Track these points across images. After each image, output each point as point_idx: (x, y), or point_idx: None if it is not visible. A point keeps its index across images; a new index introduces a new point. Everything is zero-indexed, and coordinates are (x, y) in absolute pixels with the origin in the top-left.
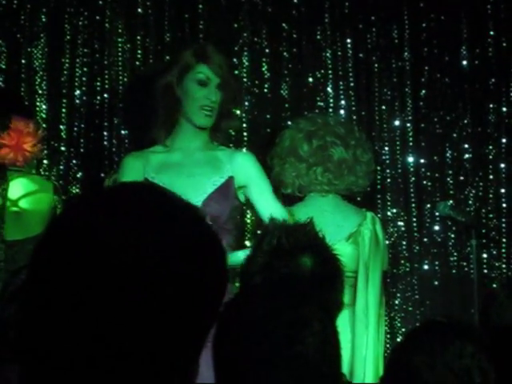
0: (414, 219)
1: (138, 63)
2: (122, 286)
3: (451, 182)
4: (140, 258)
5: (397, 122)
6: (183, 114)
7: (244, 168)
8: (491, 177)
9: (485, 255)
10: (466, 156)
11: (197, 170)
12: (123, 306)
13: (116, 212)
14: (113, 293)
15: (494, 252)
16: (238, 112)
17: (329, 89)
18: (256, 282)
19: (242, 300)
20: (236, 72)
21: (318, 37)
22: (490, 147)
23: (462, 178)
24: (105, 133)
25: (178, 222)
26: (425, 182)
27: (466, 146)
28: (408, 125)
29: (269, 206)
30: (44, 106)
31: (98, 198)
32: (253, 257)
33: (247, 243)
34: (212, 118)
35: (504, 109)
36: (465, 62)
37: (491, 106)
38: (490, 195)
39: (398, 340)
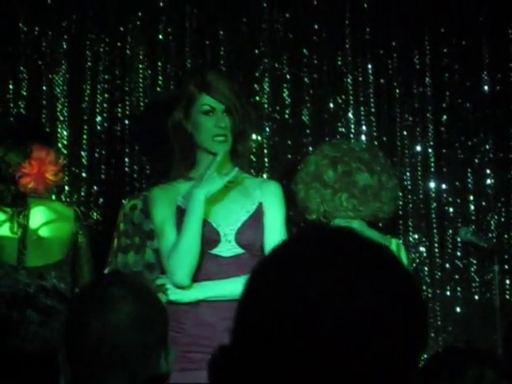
0: (436, 245)
1: (158, 89)
2: (338, 345)
3: (473, 207)
4: (352, 312)
5: (418, 148)
6: (199, 146)
7: (273, 195)
8: None
9: (507, 281)
10: (488, 181)
11: (226, 197)
12: (338, 366)
13: (321, 264)
14: (327, 351)
15: None
16: (260, 138)
17: (350, 114)
18: None
19: None
20: (257, 98)
21: (339, 62)
22: None
23: (483, 203)
24: (126, 159)
25: (383, 271)
26: (447, 208)
27: (488, 171)
28: (429, 150)
29: (274, 237)
30: (65, 133)
31: (295, 250)
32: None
33: None
34: (227, 143)
35: None
36: (486, 87)
37: None
38: None
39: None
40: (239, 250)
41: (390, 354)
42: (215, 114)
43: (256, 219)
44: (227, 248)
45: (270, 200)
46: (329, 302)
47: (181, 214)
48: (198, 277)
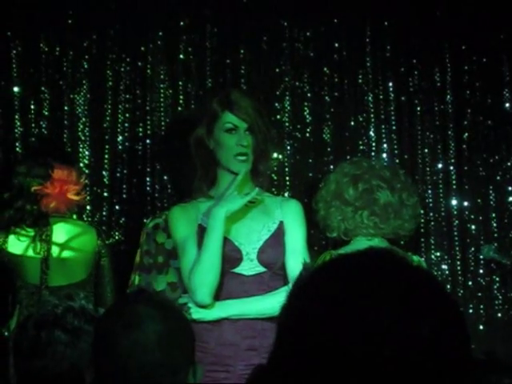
0: (458, 262)
1: (179, 108)
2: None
3: (495, 224)
4: (403, 341)
5: (440, 165)
6: (220, 164)
7: (294, 214)
8: None
9: None
10: (510, 198)
11: (248, 216)
12: None
13: (370, 291)
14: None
15: None
16: (281, 156)
17: (371, 132)
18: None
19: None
20: (278, 116)
21: (360, 80)
22: None
23: (506, 220)
24: (147, 178)
25: (430, 301)
26: (469, 225)
27: (510, 188)
28: (451, 168)
29: (296, 255)
30: (87, 152)
31: (346, 273)
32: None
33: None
34: (248, 162)
35: None
36: (507, 104)
37: None
38: None
39: None
40: (261, 269)
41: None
42: (238, 132)
43: (277, 238)
44: (249, 267)
45: (291, 218)
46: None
47: (202, 232)
48: (220, 295)
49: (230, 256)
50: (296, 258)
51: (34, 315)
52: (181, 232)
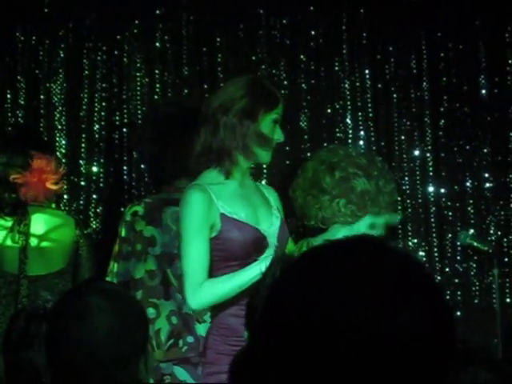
0: (435, 249)
1: (156, 97)
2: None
3: (472, 211)
4: (378, 335)
5: (416, 152)
6: (245, 151)
7: (280, 203)
8: None
9: (507, 284)
10: (487, 185)
11: (257, 201)
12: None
13: (353, 278)
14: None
15: None
16: None
17: (348, 120)
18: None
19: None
20: None
21: (337, 68)
22: (511, 175)
23: (482, 206)
24: (124, 167)
25: (416, 287)
26: (446, 212)
27: (487, 174)
28: (428, 155)
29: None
30: (63, 141)
31: (330, 260)
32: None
33: None
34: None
35: None
36: (484, 91)
37: (511, 134)
38: None
39: None
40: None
41: (421, 367)
42: (277, 126)
43: (284, 224)
44: (270, 253)
45: (281, 207)
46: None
47: (226, 221)
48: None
49: (259, 244)
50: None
51: (26, 308)
52: (196, 219)
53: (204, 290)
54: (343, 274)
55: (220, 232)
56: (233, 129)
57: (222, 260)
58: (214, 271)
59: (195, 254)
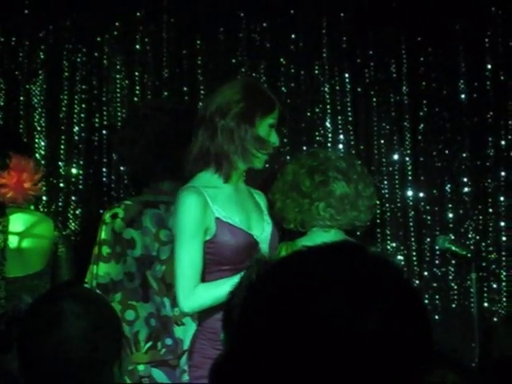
0: (414, 253)
1: (136, 99)
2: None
3: (451, 215)
4: (358, 331)
5: (396, 156)
6: (244, 154)
7: (267, 207)
8: (491, 210)
9: (485, 288)
10: (466, 189)
11: (250, 207)
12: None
13: (328, 280)
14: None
15: (494, 285)
16: None
17: (327, 123)
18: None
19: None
20: None
21: (316, 71)
22: (489, 180)
23: (461, 211)
24: (104, 169)
25: (391, 290)
26: (424, 216)
27: (465, 179)
28: (407, 159)
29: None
30: (43, 143)
31: (303, 265)
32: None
33: None
34: None
35: (503, 142)
36: (463, 96)
37: (490, 139)
38: (490, 228)
39: None
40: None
41: (397, 371)
42: (273, 130)
43: (274, 230)
44: None
45: (269, 212)
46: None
47: (221, 226)
48: None
49: (252, 249)
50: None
51: (8, 311)
52: (191, 223)
53: (197, 293)
54: (318, 278)
55: (214, 236)
56: (231, 132)
57: (214, 264)
58: (205, 275)
59: (189, 258)
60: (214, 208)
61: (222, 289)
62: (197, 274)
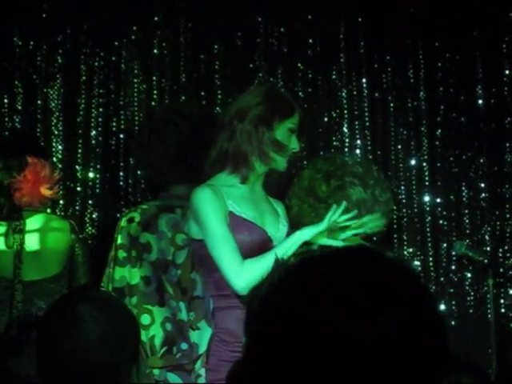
0: (431, 258)
1: (153, 103)
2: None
3: (467, 221)
4: (372, 336)
5: (413, 162)
6: (261, 156)
7: (286, 215)
8: (508, 216)
9: (502, 294)
10: (483, 195)
11: (265, 208)
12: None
13: (343, 285)
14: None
15: (511, 291)
16: None
17: (344, 128)
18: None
19: None
20: None
21: (334, 76)
22: (507, 186)
23: (478, 217)
24: (121, 173)
25: (405, 294)
26: (441, 222)
27: (483, 185)
28: (424, 164)
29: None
30: (60, 147)
31: (319, 269)
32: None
33: None
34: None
35: None
36: (480, 101)
37: (507, 144)
38: (507, 234)
39: None
40: None
41: (409, 375)
42: (293, 135)
43: (289, 233)
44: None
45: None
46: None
47: (235, 221)
48: None
49: (265, 245)
50: None
51: (19, 316)
52: (212, 210)
53: (246, 268)
54: (333, 280)
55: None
56: (248, 135)
57: None
58: (215, 270)
59: (223, 240)
60: (228, 203)
61: (270, 258)
62: (237, 251)
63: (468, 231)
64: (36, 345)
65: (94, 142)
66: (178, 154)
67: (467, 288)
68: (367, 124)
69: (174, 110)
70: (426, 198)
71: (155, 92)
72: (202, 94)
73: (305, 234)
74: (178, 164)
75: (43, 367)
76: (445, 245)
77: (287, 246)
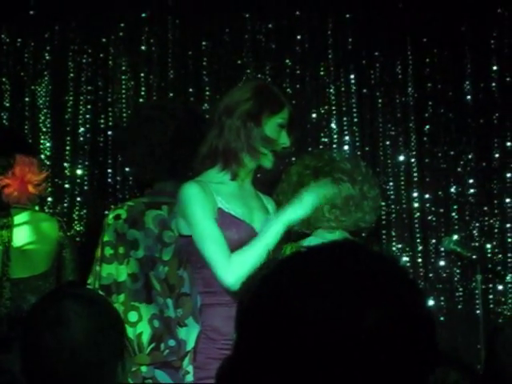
0: (419, 254)
1: (141, 100)
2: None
3: (456, 216)
4: (358, 330)
5: (401, 158)
6: (250, 152)
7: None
8: (496, 211)
9: (490, 290)
10: (471, 191)
11: (254, 205)
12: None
13: (329, 280)
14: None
15: (500, 287)
16: None
17: (333, 125)
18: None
19: None
20: None
21: (322, 73)
22: (495, 182)
23: (466, 212)
24: (109, 170)
25: (391, 288)
26: (430, 217)
27: (471, 180)
28: (412, 160)
29: None
30: (48, 144)
31: (304, 265)
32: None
33: None
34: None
35: (508, 143)
36: (469, 97)
37: (495, 140)
38: (495, 230)
39: None
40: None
41: (397, 370)
42: (283, 131)
43: None
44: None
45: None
46: (335, 318)
47: (223, 217)
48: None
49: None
50: None
51: (10, 313)
52: (199, 205)
53: (234, 262)
54: (322, 276)
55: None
56: (237, 131)
57: None
58: (204, 269)
59: (210, 234)
60: (217, 199)
61: (256, 247)
62: (224, 246)
63: (456, 227)
64: (20, 342)
65: (81, 138)
66: (163, 150)
67: (456, 284)
68: (355, 120)
69: (158, 107)
70: (415, 194)
71: (143, 89)
72: (190, 90)
73: (287, 214)
74: (163, 160)
75: (27, 365)
76: (433, 241)
77: (272, 231)
